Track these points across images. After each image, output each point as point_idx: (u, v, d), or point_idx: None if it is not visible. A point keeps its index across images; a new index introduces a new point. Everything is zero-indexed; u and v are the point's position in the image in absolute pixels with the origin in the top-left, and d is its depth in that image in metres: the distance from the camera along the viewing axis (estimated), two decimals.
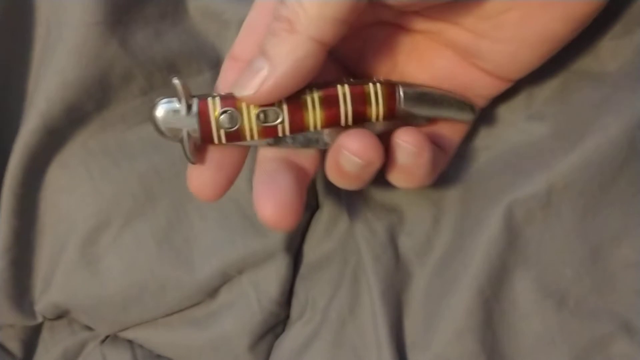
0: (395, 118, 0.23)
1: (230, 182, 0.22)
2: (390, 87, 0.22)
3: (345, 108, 0.22)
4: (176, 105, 0.21)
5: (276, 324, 0.30)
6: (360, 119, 0.22)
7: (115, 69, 0.27)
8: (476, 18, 0.21)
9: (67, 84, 0.27)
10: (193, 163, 0.21)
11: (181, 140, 0.21)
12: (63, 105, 0.27)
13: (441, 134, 0.25)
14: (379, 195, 0.29)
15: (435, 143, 0.24)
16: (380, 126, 0.23)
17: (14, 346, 0.30)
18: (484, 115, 0.27)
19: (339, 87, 0.22)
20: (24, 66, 0.28)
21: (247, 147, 0.23)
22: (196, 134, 0.21)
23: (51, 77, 0.27)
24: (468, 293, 0.25)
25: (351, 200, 0.29)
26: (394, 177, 0.23)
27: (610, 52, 0.25)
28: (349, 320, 0.28)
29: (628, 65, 0.24)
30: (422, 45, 0.23)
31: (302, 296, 0.30)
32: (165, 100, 0.21)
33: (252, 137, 0.21)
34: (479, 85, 0.24)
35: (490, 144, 0.27)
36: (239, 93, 0.20)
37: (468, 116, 0.24)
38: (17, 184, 0.28)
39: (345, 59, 0.24)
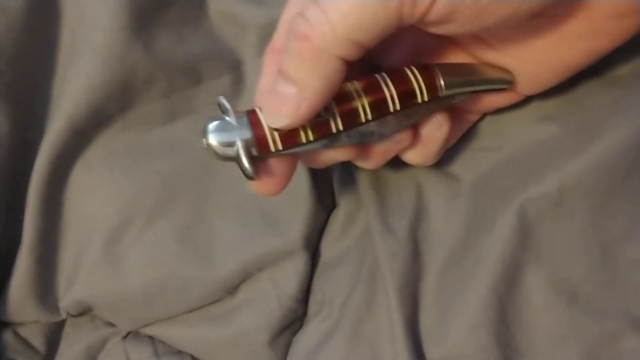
0: (438, 96, 0.23)
1: (287, 182, 0.23)
2: (425, 66, 0.23)
3: (390, 91, 0.22)
4: (226, 118, 0.20)
5: (294, 320, 0.30)
6: (407, 101, 0.22)
7: (138, 72, 0.28)
8: (505, 41, 0.22)
9: (92, 87, 0.27)
10: (252, 178, 0.20)
11: (236, 153, 0.20)
12: (88, 108, 0.28)
13: None
14: (395, 193, 0.29)
15: None
16: (425, 110, 0.23)
17: (38, 342, 0.31)
18: (495, 116, 0.28)
19: (376, 75, 0.22)
20: (49, 69, 0.29)
21: (297, 157, 0.23)
22: (250, 143, 0.20)
23: (77, 80, 0.27)
24: (482, 289, 0.25)
25: (367, 199, 0.29)
26: (409, 152, 0.25)
27: (621, 55, 0.25)
28: (365, 316, 0.28)
29: (639, 68, 0.25)
30: (446, 48, 0.24)
31: (319, 294, 0.30)
32: (213, 118, 0.21)
33: (306, 136, 0.21)
34: (494, 97, 0.25)
35: (502, 145, 0.28)
36: (276, 124, 0.20)
37: (505, 84, 0.24)
38: (42, 184, 0.28)
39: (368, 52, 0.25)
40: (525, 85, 0.24)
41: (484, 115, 0.28)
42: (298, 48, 0.18)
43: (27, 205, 0.29)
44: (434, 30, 0.19)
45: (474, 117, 0.27)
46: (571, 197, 0.25)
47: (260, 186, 0.22)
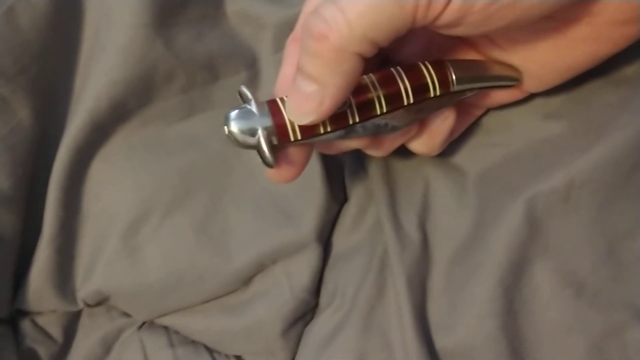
0: (449, 91, 0.23)
1: (303, 170, 0.23)
2: (438, 61, 0.23)
3: (404, 85, 0.22)
4: (247, 107, 0.21)
5: (306, 311, 0.31)
6: (420, 94, 0.23)
7: (158, 69, 0.29)
8: (512, 41, 0.23)
9: (114, 83, 0.28)
10: (271, 166, 0.21)
11: (257, 141, 0.20)
12: (109, 103, 0.28)
13: None
14: (404, 187, 0.30)
15: None
16: (436, 104, 0.24)
17: (56, 331, 0.31)
18: (503, 113, 0.28)
19: (391, 69, 0.23)
20: (72, 65, 0.29)
21: (313, 146, 0.23)
22: (271, 132, 0.21)
23: (99, 76, 0.28)
24: (490, 281, 0.26)
25: (378, 193, 0.30)
26: (415, 141, 0.26)
27: (627, 56, 0.25)
28: (377, 307, 0.29)
29: None
30: (456, 45, 0.25)
31: (330, 285, 0.31)
32: (235, 107, 0.21)
33: (324, 127, 0.21)
34: (499, 94, 0.26)
35: (509, 141, 0.28)
36: (300, 120, 0.20)
37: (513, 81, 0.25)
38: (63, 176, 0.29)
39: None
40: (530, 83, 0.25)
41: (488, 111, 0.29)
42: (316, 47, 0.19)
43: (48, 196, 0.29)
44: (445, 31, 0.20)
45: (478, 112, 0.28)
46: (578, 193, 0.25)
47: (277, 174, 0.23)
